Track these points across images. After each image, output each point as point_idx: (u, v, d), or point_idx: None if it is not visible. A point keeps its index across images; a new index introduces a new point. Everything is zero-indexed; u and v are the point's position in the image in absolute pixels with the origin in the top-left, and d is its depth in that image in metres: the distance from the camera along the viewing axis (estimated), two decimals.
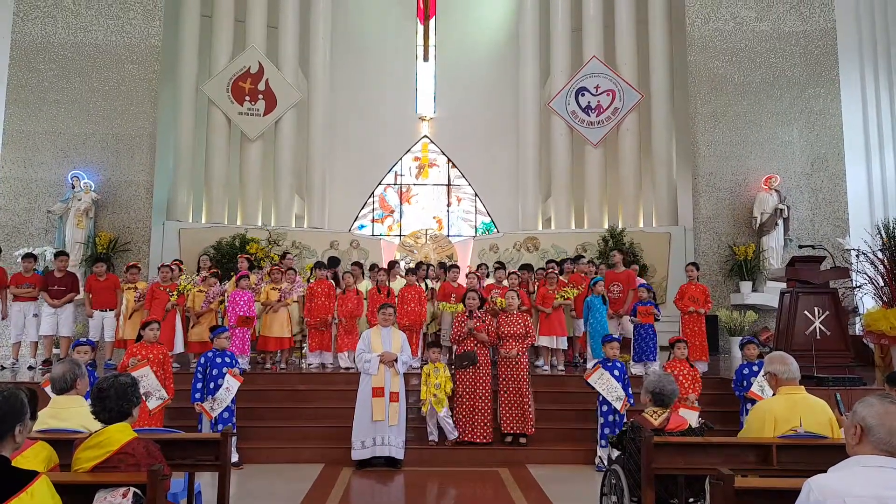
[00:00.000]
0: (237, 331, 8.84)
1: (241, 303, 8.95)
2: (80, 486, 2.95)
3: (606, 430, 6.98)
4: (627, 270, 10.33)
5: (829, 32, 13.77)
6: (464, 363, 7.55)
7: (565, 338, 9.64)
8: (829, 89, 13.63)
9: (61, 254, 9.92)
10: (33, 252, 10.40)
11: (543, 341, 9.38)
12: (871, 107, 14.17)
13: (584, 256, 11.19)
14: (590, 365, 8.51)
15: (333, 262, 10.85)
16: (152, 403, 6.34)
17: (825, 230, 13.15)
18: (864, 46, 14.26)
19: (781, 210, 12.87)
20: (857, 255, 11.13)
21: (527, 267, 10.83)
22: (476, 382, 7.54)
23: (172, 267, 9.61)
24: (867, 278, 10.88)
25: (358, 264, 10.65)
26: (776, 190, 13.06)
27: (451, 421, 7.51)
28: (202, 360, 6.96)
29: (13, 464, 2.43)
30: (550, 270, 9.89)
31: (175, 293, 9.13)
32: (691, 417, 5.86)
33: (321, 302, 9.39)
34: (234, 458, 6.79)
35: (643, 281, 10.21)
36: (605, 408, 7.11)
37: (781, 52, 13.77)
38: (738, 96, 13.70)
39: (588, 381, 7.21)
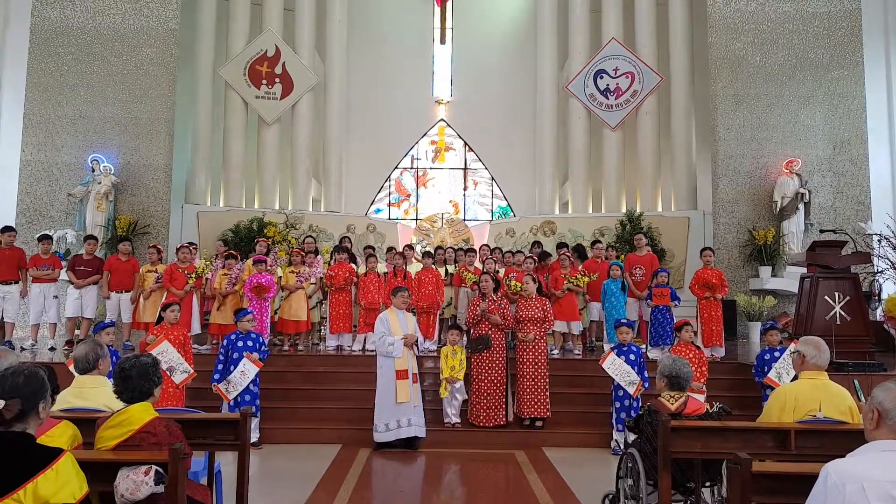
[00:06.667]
0: (254, 301, 8.86)
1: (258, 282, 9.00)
2: (104, 463, 3.01)
3: (622, 415, 6.98)
4: (650, 254, 10.28)
5: (853, 13, 13.51)
6: (478, 347, 7.59)
7: (579, 322, 9.62)
8: (853, 71, 13.39)
9: (90, 237, 10.16)
10: (50, 234, 10.54)
11: (556, 326, 9.35)
12: (895, 89, 13.89)
13: (599, 241, 11.14)
14: (606, 349, 8.50)
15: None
16: (178, 378, 6.40)
17: (847, 214, 12.98)
18: (890, 28, 13.95)
19: (802, 194, 12.71)
20: (878, 240, 11.00)
21: (537, 246, 10.84)
22: (491, 366, 7.57)
23: (191, 249, 9.67)
24: (889, 263, 10.76)
25: (370, 247, 10.64)
26: (797, 174, 12.88)
27: (457, 404, 7.60)
28: (225, 343, 7.04)
29: (39, 442, 2.47)
30: (562, 254, 9.87)
31: (193, 275, 9.20)
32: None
33: (341, 285, 9.45)
34: (256, 436, 6.89)
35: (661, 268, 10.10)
36: (620, 392, 7.12)
37: (804, 34, 13.53)
38: (760, 78, 13.50)
39: (602, 366, 7.22)
